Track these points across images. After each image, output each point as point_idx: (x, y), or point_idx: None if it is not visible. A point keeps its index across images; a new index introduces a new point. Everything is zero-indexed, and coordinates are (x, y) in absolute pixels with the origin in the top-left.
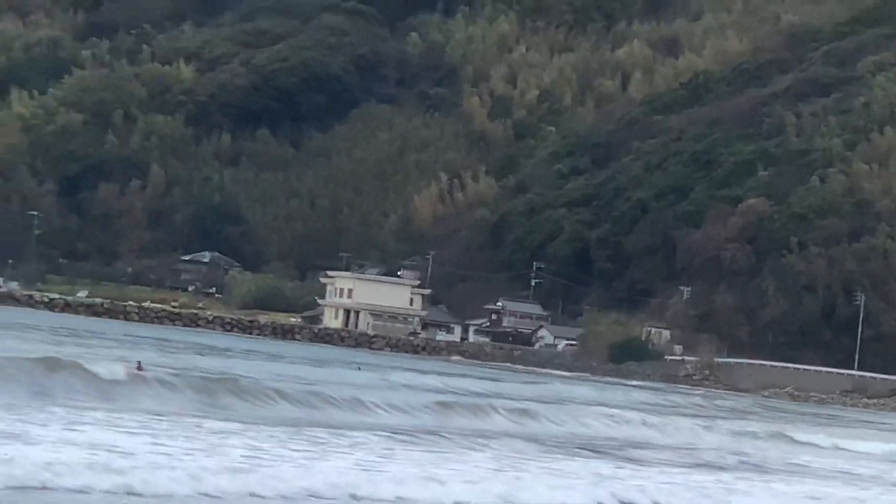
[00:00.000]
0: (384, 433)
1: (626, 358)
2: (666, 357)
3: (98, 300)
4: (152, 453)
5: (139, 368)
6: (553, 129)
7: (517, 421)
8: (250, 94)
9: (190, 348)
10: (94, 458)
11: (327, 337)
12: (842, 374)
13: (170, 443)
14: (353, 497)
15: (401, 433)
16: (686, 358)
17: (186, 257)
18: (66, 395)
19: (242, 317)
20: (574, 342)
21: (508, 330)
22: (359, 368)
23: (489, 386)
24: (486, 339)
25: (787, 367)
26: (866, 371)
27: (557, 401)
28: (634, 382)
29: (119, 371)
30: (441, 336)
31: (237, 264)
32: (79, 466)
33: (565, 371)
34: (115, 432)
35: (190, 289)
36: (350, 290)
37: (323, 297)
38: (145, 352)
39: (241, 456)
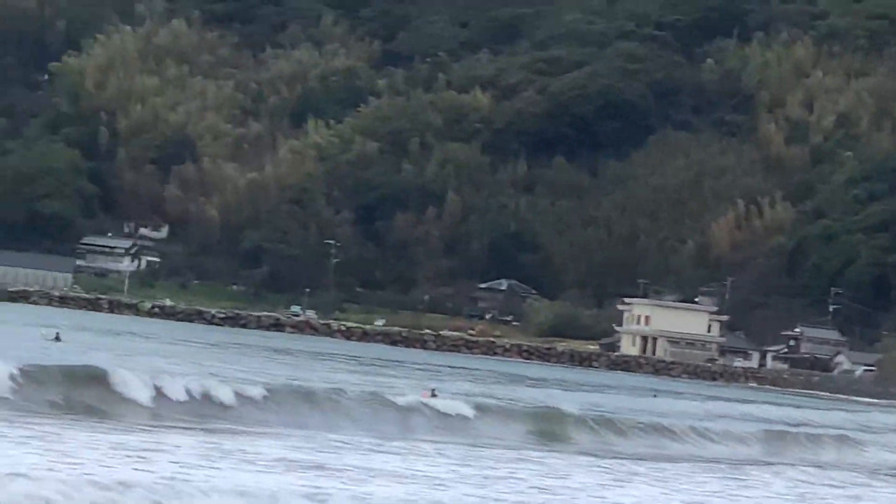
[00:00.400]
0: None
1: None
2: None
3: (395, 329)
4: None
5: (433, 396)
6: (850, 154)
7: (839, 448)
8: (546, 122)
9: (494, 377)
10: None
11: (625, 364)
12: None
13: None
14: None
15: (735, 464)
16: None
17: (483, 285)
18: (421, 428)
19: (540, 344)
20: (872, 368)
21: (806, 356)
22: (654, 395)
23: (806, 414)
24: (784, 366)
25: None
26: None
27: (865, 427)
28: None
29: (462, 406)
30: (738, 362)
31: (534, 292)
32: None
33: (865, 397)
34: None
35: (487, 317)
36: (647, 317)
37: (620, 324)
38: (456, 381)
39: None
